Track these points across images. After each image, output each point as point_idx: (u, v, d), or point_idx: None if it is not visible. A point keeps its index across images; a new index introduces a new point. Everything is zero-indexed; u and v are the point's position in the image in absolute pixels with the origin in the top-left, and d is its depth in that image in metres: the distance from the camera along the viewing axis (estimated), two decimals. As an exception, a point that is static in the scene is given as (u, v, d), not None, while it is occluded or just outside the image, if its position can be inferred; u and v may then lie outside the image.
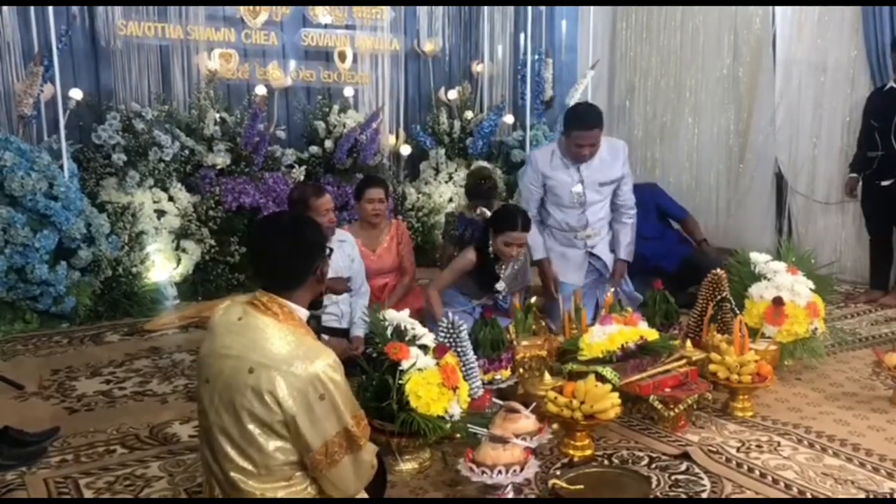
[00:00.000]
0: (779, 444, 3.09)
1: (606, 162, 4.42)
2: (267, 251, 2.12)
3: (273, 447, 1.94)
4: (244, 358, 1.96)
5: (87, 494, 2.71)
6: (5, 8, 5.29)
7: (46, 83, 5.16)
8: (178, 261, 5.62)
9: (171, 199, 5.67)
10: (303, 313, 2.12)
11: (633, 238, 4.54)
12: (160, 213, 5.60)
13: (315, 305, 2.23)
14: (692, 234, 5.56)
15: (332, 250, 2.27)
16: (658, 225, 5.48)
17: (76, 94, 5.49)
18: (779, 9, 6.18)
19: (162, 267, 5.53)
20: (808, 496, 2.67)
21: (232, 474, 1.97)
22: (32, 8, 5.25)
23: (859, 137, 5.43)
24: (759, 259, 4.12)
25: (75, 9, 5.53)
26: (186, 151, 5.80)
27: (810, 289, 3.98)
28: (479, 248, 3.93)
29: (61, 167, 5.04)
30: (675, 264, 5.14)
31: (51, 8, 5.08)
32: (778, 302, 3.84)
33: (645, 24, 7.39)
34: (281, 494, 1.97)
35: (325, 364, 1.96)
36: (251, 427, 1.93)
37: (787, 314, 3.83)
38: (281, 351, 1.96)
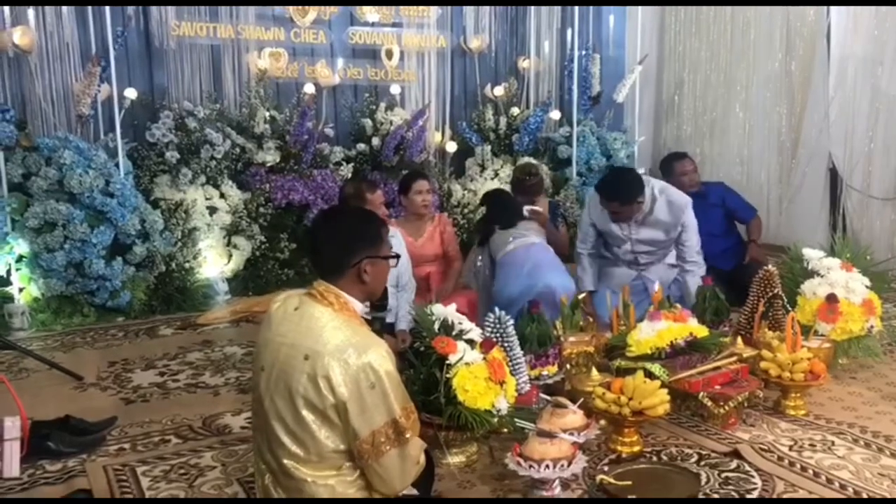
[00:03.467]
0: (833, 443, 3.02)
1: (661, 223, 4.26)
2: (313, 237, 2.22)
3: (325, 434, 1.98)
4: (299, 345, 2.01)
5: (144, 482, 2.79)
6: (65, 11, 5.45)
7: (103, 83, 5.30)
8: (230, 256, 5.73)
9: (222, 196, 5.78)
10: (358, 306, 2.17)
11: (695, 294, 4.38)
12: (212, 210, 5.71)
13: (379, 307, 2.26)
14: (749, 234, 5.40)
15: (398, 257, 2.27)
16: (722, 223, 5.35)
17: (131, 93, 5.62)
18: (834, 0, 6.04)
19: (214, 262, 5.65)
20: (864, 497, 2.62)
21: (285, 461, 2.01)
22: (90, 10, 5.40)
23: None
24: (813, 255, 4.02)
25: (130, 11, 5.66)
26: (237, 149, 5.91)
27: (866, 286, 3.89)
28: None
29: (117, 165, 5.18)
30: (733, 264, 5.06)
31: (108, 10, 5.23)
32: (832, 299, 3.76)
33: (694, 18, 7.29)
34: (331, 483, 2.01)
35: (377, 354, 1.99)
36: (305, 413, 1.98)
37: (842, 311, 3.74)
38: (335, 339, 2.00)
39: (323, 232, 2.21)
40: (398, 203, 6.09)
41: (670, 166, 5.33)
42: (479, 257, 4.47)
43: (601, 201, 4.23)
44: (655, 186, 4.29)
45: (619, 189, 4.18)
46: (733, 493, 2.64)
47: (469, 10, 7.18)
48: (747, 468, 2.81)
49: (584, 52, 7.19)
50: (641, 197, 4.17)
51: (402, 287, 4.13)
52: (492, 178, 7.04)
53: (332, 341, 1.99)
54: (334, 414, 1.97)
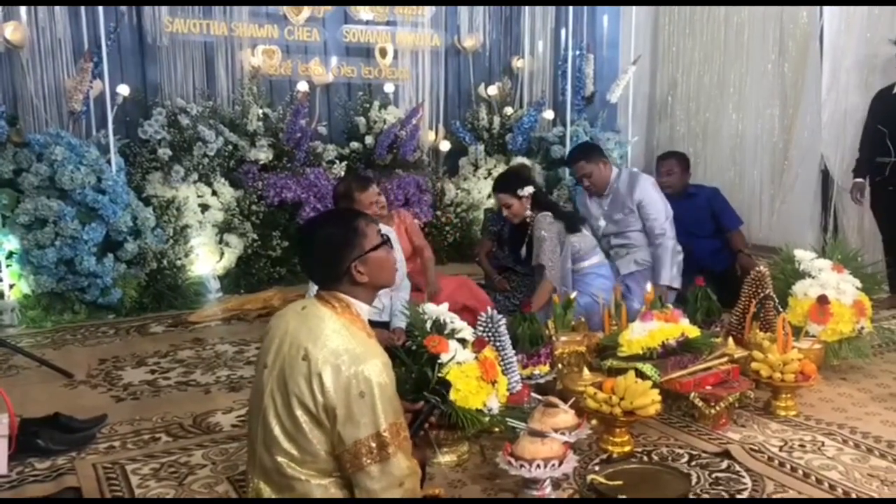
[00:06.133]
0: (823, 443, 3.04)
1: (620, 195, 4.58)
2: (299, 258, 2.26)
3: (317, 437, 1.97)
4: (299, 345, 2.01)
5: (134, 480, 2.78)
6: (57, 7, 5.42)
7: (95, 79, 5.28)
8: (221, 254, 5.72)
9: (214, 193, 5.77)
10: (362, 308, 2.17)
11: (674, 263, 4.42)
12: (204, 208, 5.70)
13: None
14: (735, 245, 5.38)
15: (387, 241, 2.25)
16: (709, 225, 5.35)
17: (123, 90, 5.60)
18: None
19: (205, 260, 5.64)
20: (854, 497, 2.63)
21: (279, 458, 2.00)
22: (83, 7, 5.38)
23: (862, 141, 5.34)
24: (804, 256, 4.04)
25: (123, 7, 5.65)
26: (230, 147, 5.89)
27: (857, 287, 3.90)
28: None
29: (109, 161, 5.16)
30: (724, 265, 5.06)
31: (100, 6, 5.20)
32: (823, 300, 3.77)
33: (688, 19, 7.30)
34: (325, 482, 2.00)
35: (373, 363, 1.97)
36: (298, 413, 1.97)
37: (832, 312, 3.76)
38: (333, 342, 1.99)
39: (304, 251, 2.28)
40: (391, 202, 6.12)
41: (657, 164, 5.41)
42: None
43: (571, 172, 4.90)
44: (623, 167, 4.86)
45: (580, 148, 4.98)
46: (724, 494, 2.64)
47: (463, 10, 7.19)
48: (738, 468, 2.81)
49: (577, 53, 7.19)
50: (605, 159, 4.67)
51: (397, 286, 4.11)
52: (485, 178, 7.05)
53: (328, 345, 1.99)
54: (324, 416, 1.95)
